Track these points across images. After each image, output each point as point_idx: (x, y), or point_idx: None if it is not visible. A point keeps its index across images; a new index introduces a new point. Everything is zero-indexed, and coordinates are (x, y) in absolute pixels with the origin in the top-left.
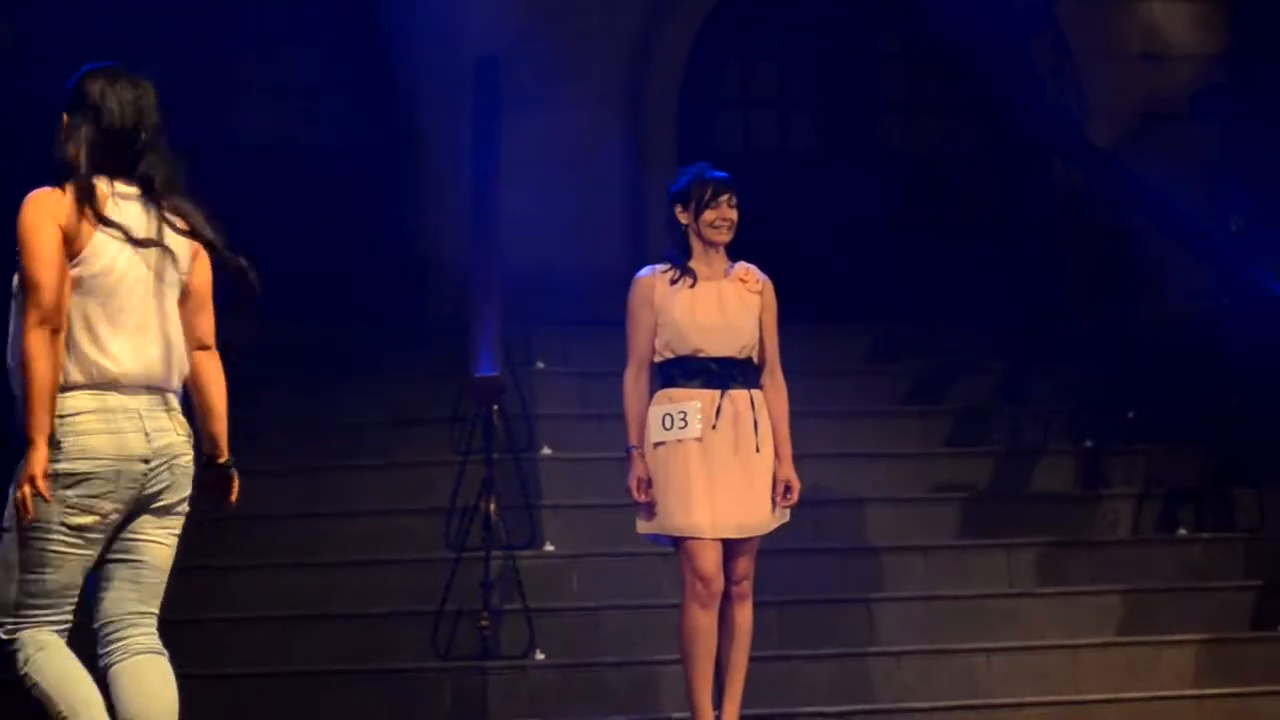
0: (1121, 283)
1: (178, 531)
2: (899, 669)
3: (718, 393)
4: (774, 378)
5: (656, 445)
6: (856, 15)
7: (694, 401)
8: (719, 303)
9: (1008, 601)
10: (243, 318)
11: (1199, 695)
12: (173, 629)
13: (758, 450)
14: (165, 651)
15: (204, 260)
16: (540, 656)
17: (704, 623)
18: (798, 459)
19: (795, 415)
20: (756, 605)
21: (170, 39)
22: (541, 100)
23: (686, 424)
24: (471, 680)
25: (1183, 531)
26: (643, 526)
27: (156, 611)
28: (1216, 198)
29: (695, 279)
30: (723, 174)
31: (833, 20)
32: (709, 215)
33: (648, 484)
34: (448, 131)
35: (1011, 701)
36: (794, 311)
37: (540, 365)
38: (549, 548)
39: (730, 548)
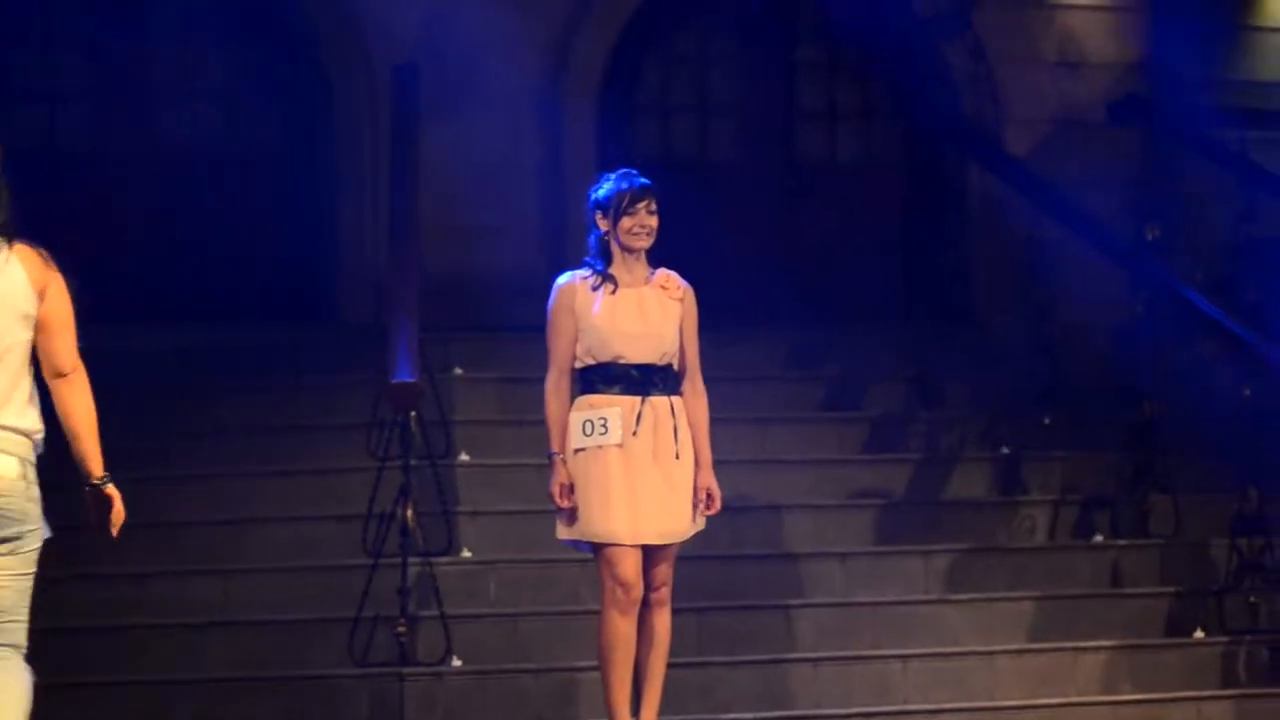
0: (1038, 289)
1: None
2: (816, 675)
3: (638, 399)
4: (694, 385)
5: (577, 451)
6: (775, 22)
7: (614, 408)
8: (640, 309)
9: (925, 608)
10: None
11: (1115, 701)
12: (87, 636)
13: (678, 457)
14: (8, 654)
15: (56, 291)
16: (457, 663)
17: (623, 629)
18: (716, 465)
19: (713, 421)
20: (674, 612)
21: (89, 39)
22: (460, 105)
23: (607, 430)
24: (388, 687)
25: (1099, 538)
26: (563, 532)
27: (10, 617)
28: (1132, 205)
29: (616, 285)
30: (643, 181)
31: (751, 27)
32: (627, 222)
33: (570, 489)
34: (366, 136)
35: (928, 708)
36: (713, 317)
37: (458, 371)
38: (466, 554)
39: (650, 554)
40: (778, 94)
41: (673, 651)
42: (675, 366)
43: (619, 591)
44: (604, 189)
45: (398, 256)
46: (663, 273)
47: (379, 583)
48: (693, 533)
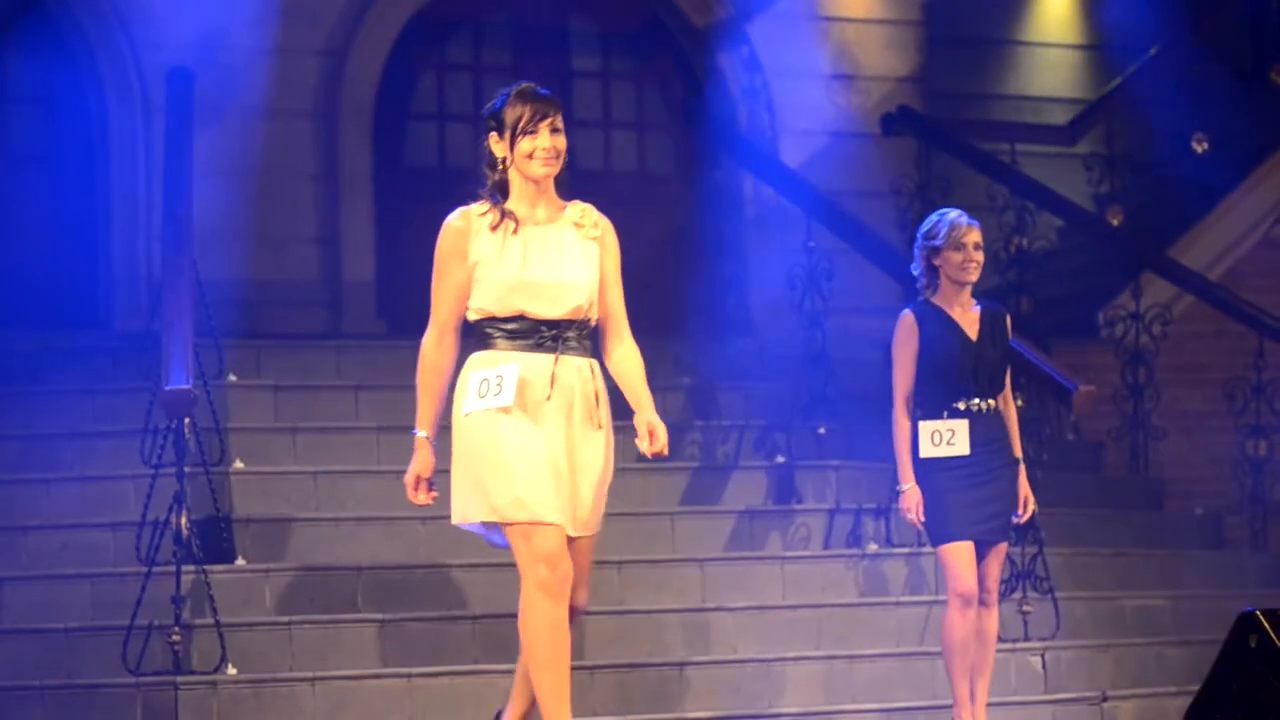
0: (813, 299)
1: None
2: (593, 682)
3: (550, 358)
4: (622, 338)
5: (467, 415)
6: (550, 29)
7: (511, 364)
8: (550, 254)
9: (700, 615)
10: None
11: (890, 709)
12: None
13: (600, 427)
14: None
15: None
16: (232, 671)
17: (553, 615)
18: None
19: None
20: (452, 620)
21: None
22: (236, 112)
23: (502, 390)
24: (162, 696)
25: (873, 546)
26: (464, 514)
27: None
28: (905, 216)
29: (518, 223)
30: (543, 92)
31: (526, 35)
32: (526, 144)
33: (429, 484)
34: (139, 141)
35: (705, 715)
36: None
37: (232, 378)
38: (241, 562)
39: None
40: None
41: (447, 658)
42: (593, 320)
43: (543, 569)
44: (499, 103)
45: (171, 263)
46: (576, 205)
47: (153, 591)
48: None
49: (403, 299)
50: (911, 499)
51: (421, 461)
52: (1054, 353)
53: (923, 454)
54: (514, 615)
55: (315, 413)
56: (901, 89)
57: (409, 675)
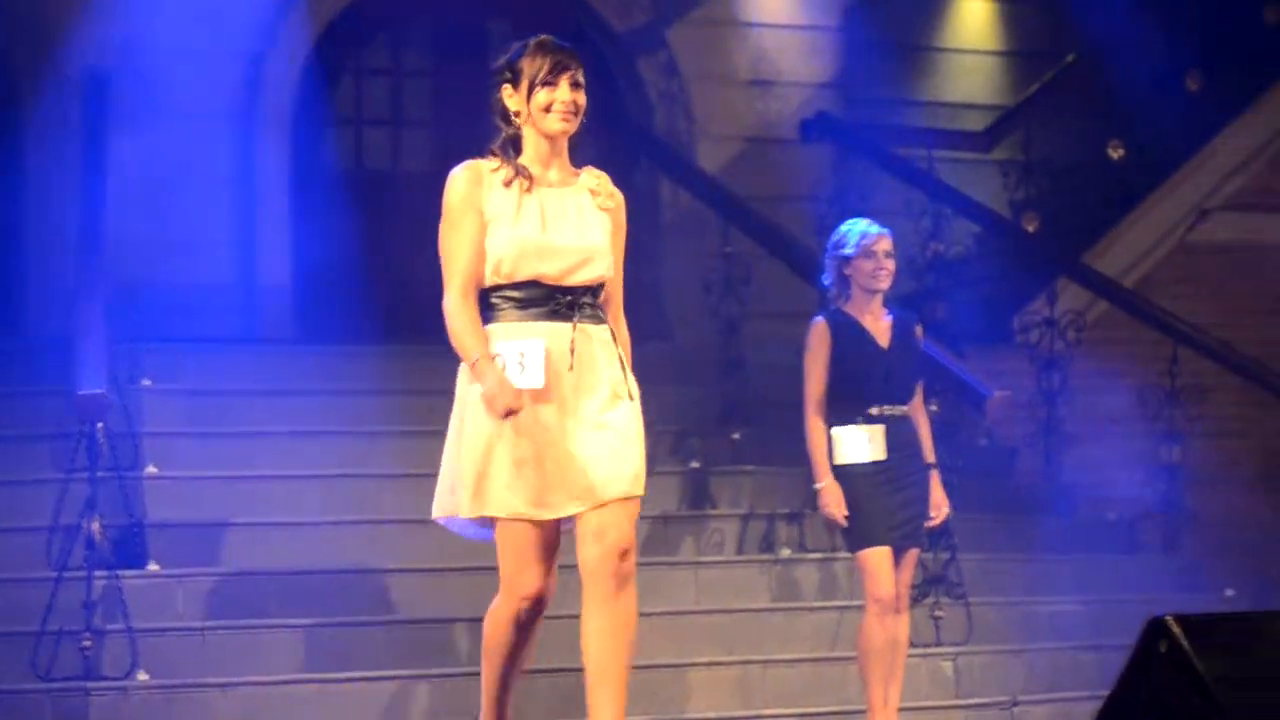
0: (729, 305)
1: None
2: None
3: (569, 327)
4: (618, 322)
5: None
6: (469, 32)
7: (535, 339)
8: (568, 217)
9: None
10: None
11: (803, 714)
12: None
13: (631, 398)
14: None
15: None
16: (144, 677)
17: (512, 632)
18: (382, 479)
19: (399, 435)
20: (356, 625)
21: None
22: (154, 116)
23: (524, 368)
24: (73, 701)
25: (786, 552)
26: (449, 508)
27: None
28: (823, 221)
29: (532, 182)
30: (564, 44)
31: (445, 38)
32: (543, 97)
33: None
34: (51, 144)
35: None
36: (393, 333)
37: (147, 382)
38: (154, 567)
39: (603, 514)
40: (471, 107)
41: (362, 664)
42: (606, 290)
43: (525, 604)
44: (514, 54)
45: (85, 267)
46: (591, 172)
47: (64, 596)
48: (640, 490)
49: (318, 303)
50: (830, 494)
51: (510, 397)
52: (969, 358)
53: (838, 461)
54: (430, 621)
55: (229, 417)
56: (820, 95)
57: (322, 681)
